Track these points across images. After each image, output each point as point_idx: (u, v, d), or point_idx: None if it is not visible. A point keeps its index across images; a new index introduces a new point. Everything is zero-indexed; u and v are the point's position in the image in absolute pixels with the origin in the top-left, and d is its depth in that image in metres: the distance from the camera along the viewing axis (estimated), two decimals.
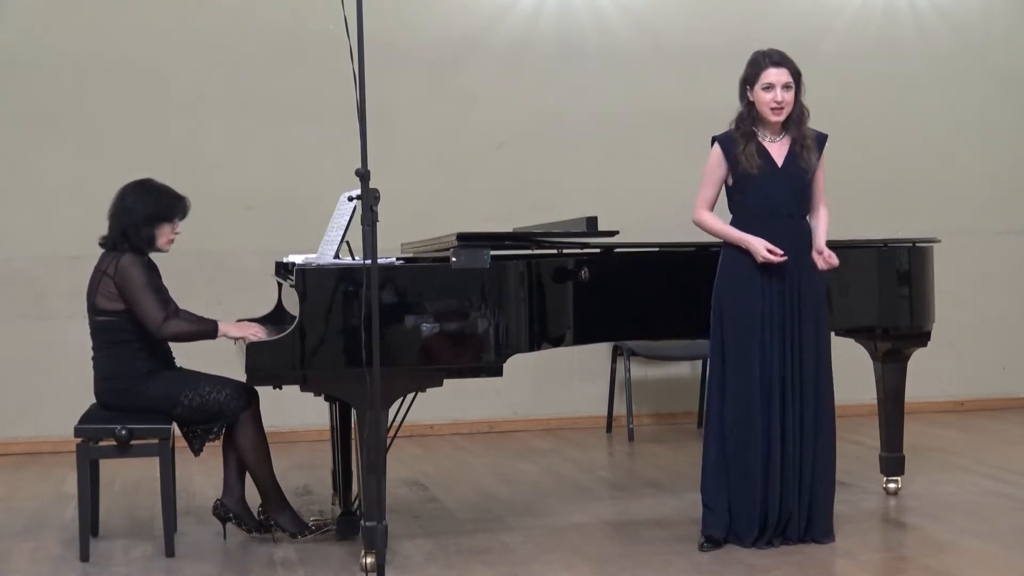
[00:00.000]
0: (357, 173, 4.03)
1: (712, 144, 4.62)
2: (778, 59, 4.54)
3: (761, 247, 4.48)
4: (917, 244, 5.26)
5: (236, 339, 4.68)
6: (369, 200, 4.00)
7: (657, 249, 4.98)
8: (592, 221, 4.81)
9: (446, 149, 7.34)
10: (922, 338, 5.29)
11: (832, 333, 5.40)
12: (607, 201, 6.82)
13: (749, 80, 4.57)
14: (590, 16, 7.51)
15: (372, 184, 4.03)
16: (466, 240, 4.37)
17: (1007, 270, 7.99)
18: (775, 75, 4.51)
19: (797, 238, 4.56)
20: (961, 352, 7.75)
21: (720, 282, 4.62)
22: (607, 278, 4.81)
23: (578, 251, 4.94)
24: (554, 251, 4.92)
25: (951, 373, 7.78)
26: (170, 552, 4.62)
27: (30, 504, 5.64)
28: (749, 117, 4.58)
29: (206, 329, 4.67)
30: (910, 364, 5.35)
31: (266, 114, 7.13)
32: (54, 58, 6.95)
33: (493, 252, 4.40)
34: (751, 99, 4.56)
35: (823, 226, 4.62)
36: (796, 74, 4.55)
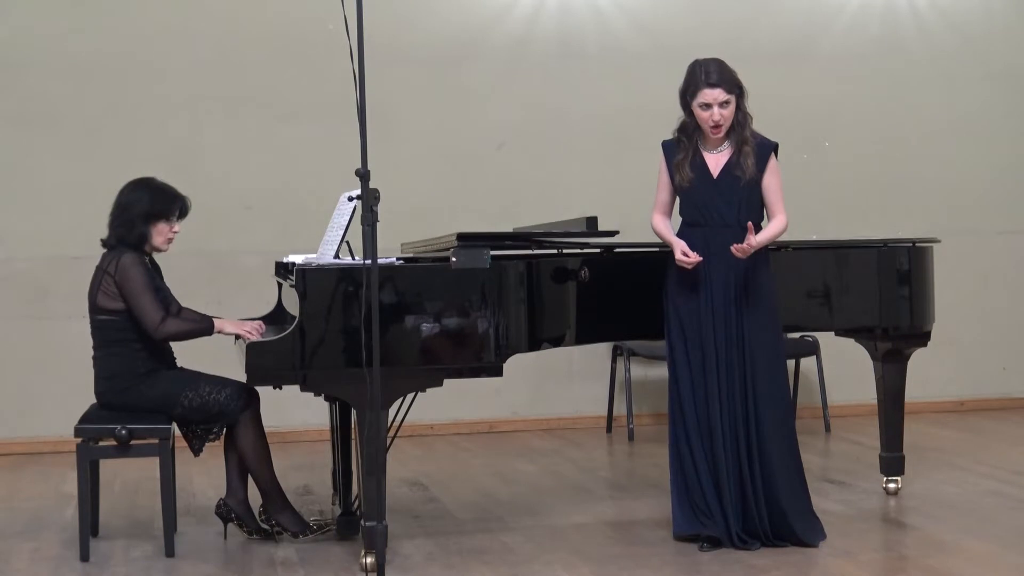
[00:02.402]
0: (357, 173, 4.03)
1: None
2: (715, 79, 4.50)
3: (677, 250, 4.54)
4: (917, 244, 5.25)
5: (235, 337, 4.68)
6: (369, 200, 4.00)
7: (657, 249, 4.97)
8: (592, 221, 4.81)
9: (446, 149, 7.34)
10: (922, 338, 5.29)
11: (832, 333, 5.44)
12: (607, 201, 6.81)
13: (688, 93, 4.57)
14: (590, 16, 7.51)
15: (372, 184, 4.03)
16: (466, 240, 4.37)
17: (1007, 270, 7.99)
18: (711, 95, 4.50)
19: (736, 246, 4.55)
20: (961, 352, 7.74)
21: (668, 283, 4.67)
22: (607, 278, 4.81)
23: (578, 251, 4.95)
24: (554, 251, 4.92)
25: (951, 373, 7.77)
26: (170, 552, 4.62)
27: (30, 504, 5.64)
28: (691, 125, 4.61)
29: (202, 327, 4.67)
30: (910, 364, 5.35)
31: (266, 114, 7.13)
32: (54, 58, 6.95)
33: (493, 252, 4.40)
34: (692, 109, 4.57)
35: (769, 230, 4.55)
36: (735, 87, 4.53)
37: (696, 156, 4.60)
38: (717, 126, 4.53)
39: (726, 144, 4.60)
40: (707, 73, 4.52)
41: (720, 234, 4.55)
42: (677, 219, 4.75)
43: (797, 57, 7.60)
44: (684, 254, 4.51)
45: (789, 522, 4.55)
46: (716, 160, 4.60)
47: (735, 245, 4.45)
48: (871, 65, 7.76)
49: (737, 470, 4.54)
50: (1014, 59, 7.98)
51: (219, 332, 4.66)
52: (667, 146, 4.69)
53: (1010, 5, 8.00)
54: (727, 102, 4.51)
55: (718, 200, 4.57)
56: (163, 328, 4.63)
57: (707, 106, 4.51)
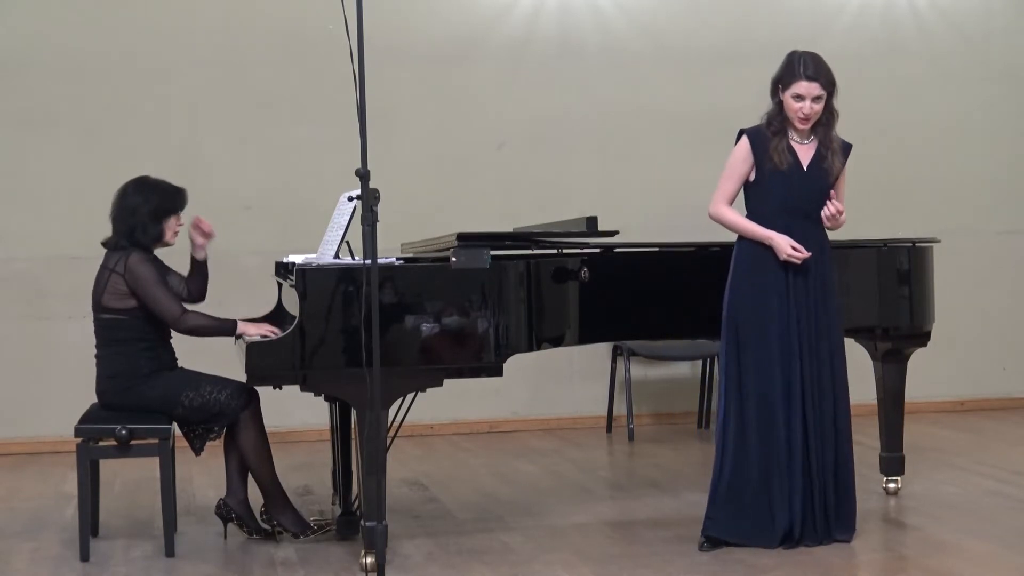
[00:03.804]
0: (357, 173, 4.03)
1: (739, 137, 4.60)
2: (812, 73, 4.49)
3: (786, 244, 4.47)
4: (917, 244, 5.25)
5: (234, 337, 4.67)
6: (369, 200, 4.00)
7: (657, 249, 4.97)
8: (592, 221, 4.81)
9: (446, 149, 7.34)
10: (922, 338, 5.29)
11: None
12: (607, 201, 6.82)
13: (782, 82, 4.54)
14: (590, 16, 7.51)
15: (372, 184, 4.03)
16: (466, 240, 4.37)
17: (1007, 270, 7.99)
18: (806, 88, 4.49)
19: (815, 239, 4.55)
20: (961, 352, 7.74)
21: (735, 280, 4.59)
22: (607, 278, 4.81)
23: (578, 251, 4.94)
24: (554, 251, 4.92)
25: (951, 373, 7.77)
26: (170, 552, 4.62)
27: (30, 504, 5.64)
28: (780, 116, 4.58)
29: (225, 326, 4.67)
30: (910, 364, 5.35)
31: (266, 114, 7.13)
32: (54, 58, 6.95)
33: (493, 252, 4.40)
34: (781, 99, 4.55)
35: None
36: (830, 85, 4.53)
37: (787, 143, 4.58)
38: (806, 119, 4.52)
39: (811, 138, 4.59)
40: (805, 65, 4.51)
41: (801, 224, 4.53)
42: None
43: None
44: (795, 248, 4.46)
45: (848, 517, 4.57)
46: (805, 151, 4.58)
47: (832, 205, 4.47)
48: (871, 65, 7.75)
49: (812, 468, 4.50)
50: (1014, 59, 7.98)
51: (241, 334, 4.63)
52: (753, 133, 4.59)
53: (1010, 5, 8.00)
54: (820, 97, 4.51)
55: (808, 189, 4.55)
56: (185, 320, 4.63)
57: (800, 98, 4.50)
